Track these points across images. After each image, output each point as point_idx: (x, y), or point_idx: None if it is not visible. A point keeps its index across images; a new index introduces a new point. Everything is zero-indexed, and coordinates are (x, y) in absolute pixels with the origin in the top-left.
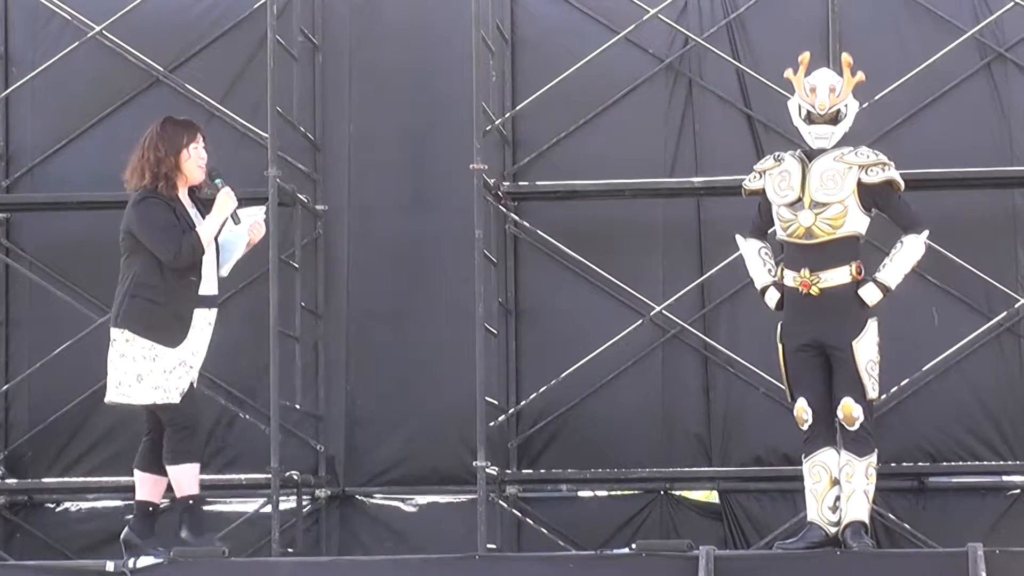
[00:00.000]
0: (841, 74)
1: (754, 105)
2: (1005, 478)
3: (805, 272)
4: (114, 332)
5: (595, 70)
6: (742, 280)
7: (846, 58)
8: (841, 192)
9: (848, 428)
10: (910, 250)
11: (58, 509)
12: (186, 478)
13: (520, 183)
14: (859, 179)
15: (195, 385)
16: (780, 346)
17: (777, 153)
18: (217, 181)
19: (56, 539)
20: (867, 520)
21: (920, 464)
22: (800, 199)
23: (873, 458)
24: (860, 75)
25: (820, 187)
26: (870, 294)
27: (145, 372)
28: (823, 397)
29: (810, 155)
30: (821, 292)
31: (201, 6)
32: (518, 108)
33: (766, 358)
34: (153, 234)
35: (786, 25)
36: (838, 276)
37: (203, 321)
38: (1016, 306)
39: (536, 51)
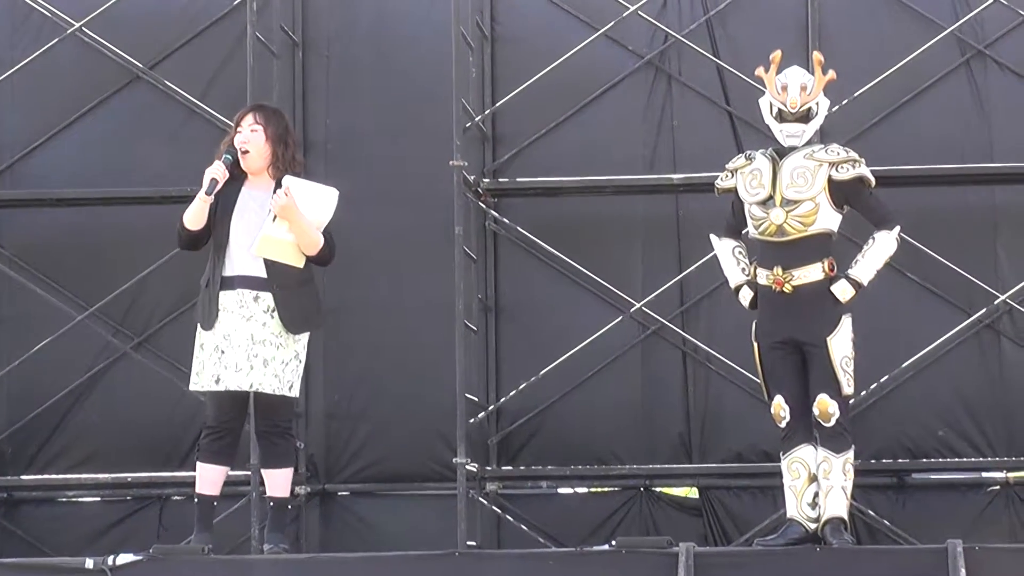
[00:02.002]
0: (813, 72)
1: (733, 102)
2: (985, 475)
3: (778, 270)
4: None
5: (575, 67)
6: (722, 277)
7: (817, 56)
8: (812, 189)
9: (824, 424)
10: (882, 246)
11: (37, 506)
12: (205, 477)
13: (500, 180)
14: (830, 176)
15: (229, 378)
16: (755, 344)
17: (748, 151)
18: (225, 156)
19: (35, 536)
20: (846, 516)
21: (900, 461)
22: (771, 197)
23: (850, 454)
24: (831, 73)
25: (791, 184)
26: (843, 290)
27: (199, 357)
28: (799, 394)
29: (781, 153)
30: (794, 289)
31: (181, 2)
32: (498, 104)
33: (746, 355)
34: None
35: (766, 22)
36: (811, 273)
37: (232, 303)
38: (995, 303)
39: (516, 47)
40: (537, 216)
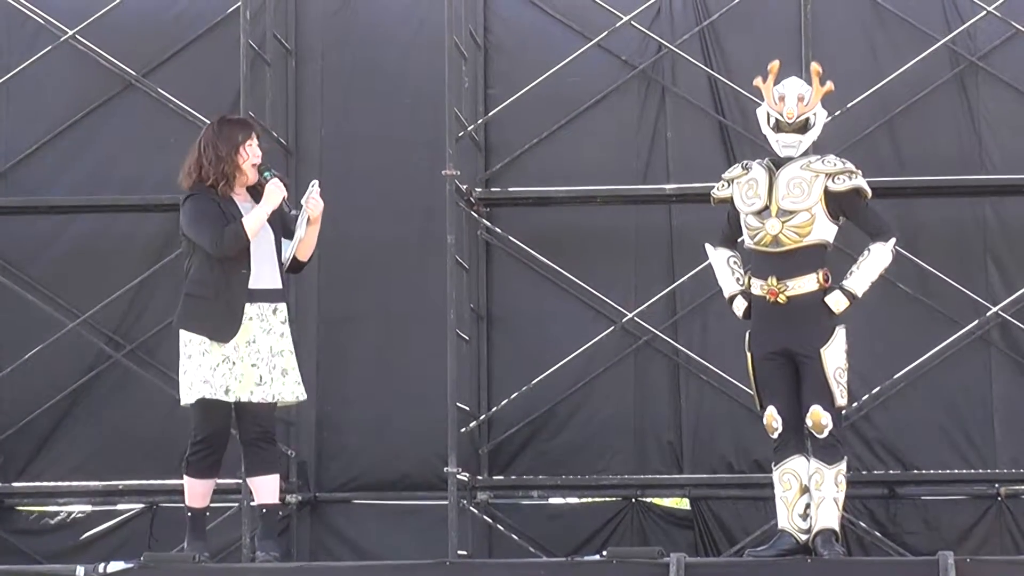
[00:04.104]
0: (810, 83)
1: (726, 112)
2: (976, 487)
3: (772, 280)
4: (180, 334)
5: (568, 76)
6: (713, 287)
7: (815, 67)
8: (808, 200)
9: (817, 435)
10: (877, 258)
11: (28, 513)
12: (196, 492)
13: (492, 189)
14: (826, 187)
15: (248, 391)
16: (748, 354)
17: (745, 162)
18: (266, 174)
19: (26, 544)
20: (837, 528)
21: (892, 472)
22: (767, 207)
23: (842, 465)
24: (829, 84)
25: (787, 195)
26: (837, 302)
27: (201, 368)
28: (792, 405)
29: (778, 163)
30: (788, 300)
31: (175, 10)
32: (491, 114)
33: (737, 365)
34: (197, 226)
35: (759, 32)
36: (805, 284)
37: (256, 314)
38: (987, 315)
39: (509, 57)
40: (529, 226)
